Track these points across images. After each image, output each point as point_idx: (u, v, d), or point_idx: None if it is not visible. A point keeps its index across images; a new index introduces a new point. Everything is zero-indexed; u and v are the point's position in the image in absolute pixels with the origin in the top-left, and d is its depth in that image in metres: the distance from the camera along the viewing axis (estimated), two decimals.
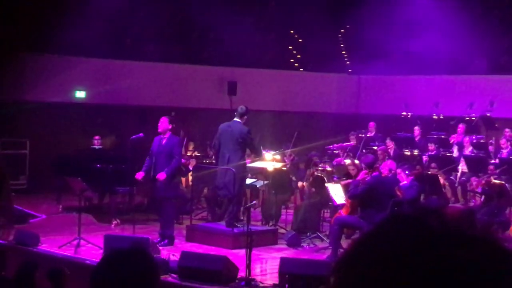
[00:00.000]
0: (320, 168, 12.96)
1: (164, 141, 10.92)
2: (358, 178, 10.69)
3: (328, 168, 13.25)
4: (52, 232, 11.47)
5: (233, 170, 10.82)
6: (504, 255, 1.10)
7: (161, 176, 10.70)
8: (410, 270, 1.07)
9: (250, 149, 11.65)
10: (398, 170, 11.63)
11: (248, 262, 8.71)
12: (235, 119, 11.23)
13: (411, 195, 10.99)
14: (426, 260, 1.07)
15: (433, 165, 13.91)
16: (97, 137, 15.08)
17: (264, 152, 13.33)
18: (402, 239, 1.10)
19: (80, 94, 17.26)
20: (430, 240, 1.10)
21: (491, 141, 15.85)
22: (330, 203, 11.77)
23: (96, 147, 14.98)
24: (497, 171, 13.21)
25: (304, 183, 12.88)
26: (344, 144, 15.78)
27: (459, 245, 1.09)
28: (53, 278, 6.79)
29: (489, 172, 13.25)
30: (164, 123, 10.95)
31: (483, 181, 12.80)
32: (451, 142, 15.93)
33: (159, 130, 10.97)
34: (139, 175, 10.95)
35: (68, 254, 10.09)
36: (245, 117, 11.18)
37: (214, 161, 12.39)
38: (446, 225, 1.13)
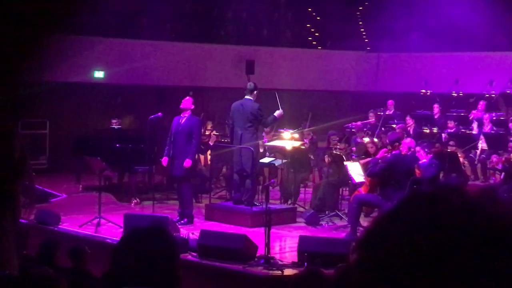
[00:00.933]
0: (338, 146, 12.91)
1: (183, 121, 10.95)
2: (378, 155, 10.65)
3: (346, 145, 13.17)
4: (72, 211, 11.56)
5: (251, 148, 10.84)
6: None
7: (187, 163, 10.74)
8: (432, 248, 1.06)
9: (263, 125, 11.67)
10: (417, 148, 11.54)
11: (267, 240, 8.74)
12: (246, 96, 11.26)
13: (431, 173, 10.91)
14: (449, 238, 1.06)
15: (451, 142, 13.80)
16: (114, 120, 15.14)
17: (282, 130, 13.32)
18: (424, 217, 1.09)
19: (99, 74, 17.28)
20: (452, 217, 1.09)
21: (511, 118, 15.70)
22: (349, 181, 11.75)
23: (115, 127, 15.05)
24: None
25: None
26: (364, 121, 15.73)
27: (482, 222, 1.08)
28: (74, 257, 6.87)
29: (509, 149, 13.13)
30: (188, 102, 11.01)
31: (503, 159, 12.69)
32: (470, 118, 15.80)
33: (181, 106, 11.01)
34: (165, 161, 11.01)
35: (89, 233, 10.19)
36: (255, 92, 11.21)
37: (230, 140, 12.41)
38: (468, 202, 1.12)
